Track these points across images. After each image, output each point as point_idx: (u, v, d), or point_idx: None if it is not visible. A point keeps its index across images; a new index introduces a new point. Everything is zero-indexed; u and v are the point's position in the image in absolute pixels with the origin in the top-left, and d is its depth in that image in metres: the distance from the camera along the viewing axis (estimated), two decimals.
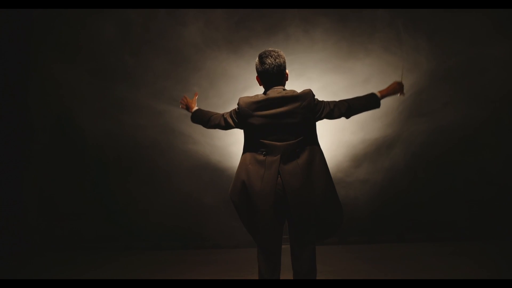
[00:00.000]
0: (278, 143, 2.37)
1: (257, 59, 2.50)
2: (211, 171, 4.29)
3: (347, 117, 2.52)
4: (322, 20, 4.27)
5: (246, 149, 2.50)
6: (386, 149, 4.39)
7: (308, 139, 2.43)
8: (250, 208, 2.41)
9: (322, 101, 2.48)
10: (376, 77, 4.35)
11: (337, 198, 2.44)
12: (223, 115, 2.62)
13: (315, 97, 2.47)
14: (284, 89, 2.47)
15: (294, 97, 2.37)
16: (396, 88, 2.70)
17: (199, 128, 4.30)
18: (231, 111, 2.58)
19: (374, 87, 4.39)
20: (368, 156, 4.40)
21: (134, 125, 4.21)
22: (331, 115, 2.47)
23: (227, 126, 2.59)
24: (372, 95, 2.61)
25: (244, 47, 4.21)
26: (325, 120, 4.48)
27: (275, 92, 2.42)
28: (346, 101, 2.51)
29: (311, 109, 2.38)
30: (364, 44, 4.33)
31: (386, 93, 2.68)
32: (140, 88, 4.19)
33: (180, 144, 4.16)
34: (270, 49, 2.48)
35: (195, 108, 2.81)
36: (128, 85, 4.19)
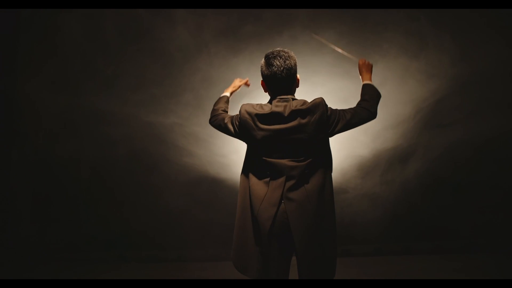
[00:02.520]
0: (284, 162, 2.04)
1: (262, 60, 2.14)
2: (209, 183, 3.83)
3: (373, 114, 2.23)
4: (332, 23, 3.80)
5: (247, 167, 2.16)
6: (399, 163, 3.93)
7: (320, 158, 2.09)
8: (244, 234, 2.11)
9: (336, 110, 2.13)
10: (391, 81, 3.87)
11: (336, 234, 2.13)
12: (224, 118, 2.28)
13: (328, 107, 2.11)
14: (294, 99, 2.12)
15: (305, 110, 2.02)
16: (366, 66, 2.49)
17: (194, 139, 3.84)
18: (233, 117, 2.23)
19: (389, 93, 4.00)
20: (379, 168, 3.95)
21: (121, 138, 3.74)
22: (349, 125, 2.13)
23: (226, 131, 2.24)
24: (365, 86, 2.39)
25: (244, 50, 3.76)
26: None
27: (282, 102, 2.07)
28: (358, 103, 2.25)
29: (323, 123, 2.04)
30: (379, 45, 3.84)
31: (368, 76, 2.48)
32: (126, 96, 3.73)
33: (174, 157, 3.71)
34: (278, 48, 2.13)
35: (226, 93, 2.56)
36: (111, 94, 3.73)
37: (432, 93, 3.84)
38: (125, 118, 3.63)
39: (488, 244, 3.85)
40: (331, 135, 2.13)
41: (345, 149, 3.90)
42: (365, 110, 2.21)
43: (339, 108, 2.15)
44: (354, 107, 2.23)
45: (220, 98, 2.55)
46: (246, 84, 2.75)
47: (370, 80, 2.44)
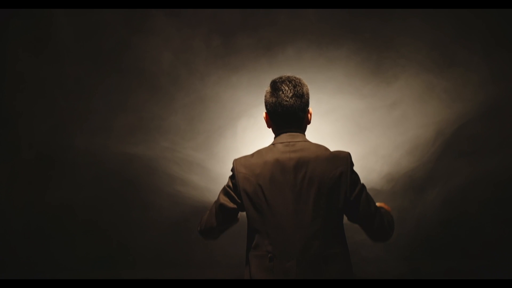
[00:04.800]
0: (292, 233, 1.61)
1: (268, 88, 1.80)
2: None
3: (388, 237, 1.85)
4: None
5: (249, 246, 1.75)
6: (414, 192, 3.50)
7: (336, 227, 1.70)
8: None
9: (360, 180, 1.74)
10: (410, 100, 3.40)
11: None
12: (215, 204, 1.82)
13: (353, 166, 1.72)
14: (305, 140, 1.74)
15: (323, 159, 1.65)
16: None
17: (187, 165, 3.43)
18: (224, 188, 1.80)
19: (407, 113, 3.55)
20: (390, 196, 3.54)
21: (106, 170, 3.35)
22: (365, 212, 1.71)
23: (224, 215, 1.79)
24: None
25: (242, 67, 3.34)
26: (336, 140, 3.52)
27: (289, 147, 1.67)
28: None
29: (344, 182, 1.65)
30: (397, 59, 3.36)
31: None
32: (113, 117, 3.35)
33: (165, 186, 3.35)
34: (287, 74, 1.79)
35: None
36: (94, 122, 3.36)
37: (457, 116, 3.35)
38: (110, 148, 3.29)
39: None
40: (347, 205, 1.69)
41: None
42: (388, 224, 1.80)
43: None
44: (375, 209, 1.77)
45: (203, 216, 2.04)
46: None
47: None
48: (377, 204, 1.94)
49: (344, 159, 1.67)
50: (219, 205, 1.79)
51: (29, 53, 3.41)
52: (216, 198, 1.86)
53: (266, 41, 3.35)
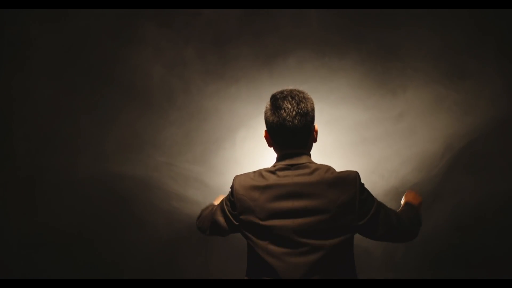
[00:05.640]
0: (294, 268, 1.47)
1: (268, 103, 1.61)
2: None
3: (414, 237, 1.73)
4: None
5: (248, 271, 1.64)
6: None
7: (344, 257, 1.54)
8: None
9: (374, 198, 1.57)
10: (419, 112, 3.23)
11: None
12: (213, 211, 1.73)
13: (364, 187, 1.55)
14: (310, 162, 1.57)
15: (329, 184, 1.47)
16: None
17: (184, 180, 3.28)
18: (222, 202, 1.68)
19: (415, 125, 3.37)
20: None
21: (98, 190, 3.20)
22: (394, 232, 1.60)
23: (219, 230, 1.70)
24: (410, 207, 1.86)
25: (241, 78, 3.17)
26: (338, 151, 3.34)
27: (293, 170, 1.52)
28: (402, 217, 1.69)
29: (352, 208, 1.48)
30: (405, 69, 3.17)
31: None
32: (102, 132, 3.19)
33: (160, 202, 3.20)
34: (290, 88, 1.60)
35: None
36: (85, 139, 3.20)
37: (468, 130, 3.16)
38: (101, 164, 3.14)
39: None
40: (361, 230, 1.53)
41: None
42: (412, 224, 1.70)
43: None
44: (399, 213, 1.68)
45: (208, 206, 1.98)
46: None
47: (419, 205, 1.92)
48: (405, 196, 1.96)
49: (352, 182, 1.50)
50: (214, 221, 1.69)
51: (9, 66, 3.19)
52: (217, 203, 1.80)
53: (266, 50, 3.18)
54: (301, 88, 1.65)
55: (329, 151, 3.23)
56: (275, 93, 1.61)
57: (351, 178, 1.50)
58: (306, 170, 1.52)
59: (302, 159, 1.56)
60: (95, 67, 3.06)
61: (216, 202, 1.93)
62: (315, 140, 1.66)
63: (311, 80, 3.14)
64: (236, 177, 1.61)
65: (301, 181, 1.50)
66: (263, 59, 3.16)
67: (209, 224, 1.76)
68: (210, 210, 1.81)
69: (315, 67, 3.14)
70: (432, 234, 3.32)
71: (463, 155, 3.19)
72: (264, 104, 1.66)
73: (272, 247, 1.50)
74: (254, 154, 3.20)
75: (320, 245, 1.47)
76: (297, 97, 1.55)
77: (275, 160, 1.66)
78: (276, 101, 1.56)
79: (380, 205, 1.58)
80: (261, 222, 1.51)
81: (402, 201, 1.96)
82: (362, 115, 3.25)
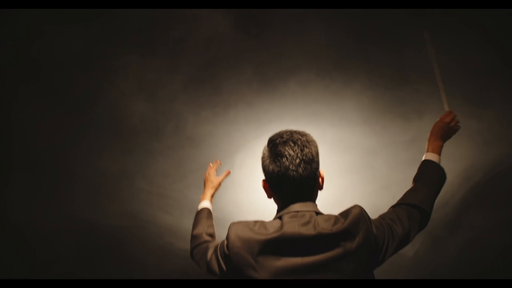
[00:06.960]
0: None
1: (265, 148, 1.37)
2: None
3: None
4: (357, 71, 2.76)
5: None
6: (431, 240, 3.09)
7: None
8: None
9: (381, 223, 1.36)
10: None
11: None
12: (207, 251, 1.47)
13: (371, 220, 1.33)
14: (318, 212, 1.32)
15: (339, 234, 1.24)
16: (445, 128, 1.70)
17: (185, 214, 3.09)
18: (217, 247, 1.40)
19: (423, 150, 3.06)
20: (409, 246, 3.15)
21: (88, 222, 3.01)
22: (403, 242, 1.39)
23: (213, 273, 1.44)
24: (428, 166, 1.62)
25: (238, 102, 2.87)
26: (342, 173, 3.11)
27: (298, 221, 1.27)
28: (413, 201, 1.48)
29: (369, 248, 1.27)
30: (420, 95, 2.81)
31: (438, 145, 1.68)
32: (92, 162, 2.95)
33: (155, 239, 3.01)
34: (290, 129, 1.36)
35: (203, 203, 1.80)
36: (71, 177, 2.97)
37: (491, 163, 2.84)
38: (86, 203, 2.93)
39: None
40: (380, 264, 1.33)
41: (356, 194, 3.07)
42: (426, 215, 1.47)
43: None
44: (407, 207, 1.44)
45: (198, 216, 1.73)
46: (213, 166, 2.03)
47: (439, 153, 1.66)
48: (428, 141, 1.68)
49: (361, 218, 1.28)
50: (207, 261, 1.44)
51: None
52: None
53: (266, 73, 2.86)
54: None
55: (335, 172, 3.00)
56: (273, 137, 1.36)
57: (358, 215, 1.29)
58: (316, 219, 1.29)
59: (309, 209, 1.32)
60: (78, 102, 2.80)
61: (201, 205, 1.79)
62: (321, 188, 1.40)
63: (316, 102, 2.86)
64: (233, 225, 1.33)
65: (310, 234, 1.26)
66: (258, 83, 2.85)
67: (206, 267, 1.49)
68: (205, 247, 1.56)
69: (318, 90, 2.83)
70: (441, 266, 3.11)
71: (483, 189, 2.89)
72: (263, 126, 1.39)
73: None
74: (253, 176, 3.00)
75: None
76: (299, 141, 1.31)
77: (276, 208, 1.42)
78: (275, 148, 1.32)
79: (390, 227, 1.38)
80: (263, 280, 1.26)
81: (426, 149, 1.70)
82: (371, 139, 2.97)
